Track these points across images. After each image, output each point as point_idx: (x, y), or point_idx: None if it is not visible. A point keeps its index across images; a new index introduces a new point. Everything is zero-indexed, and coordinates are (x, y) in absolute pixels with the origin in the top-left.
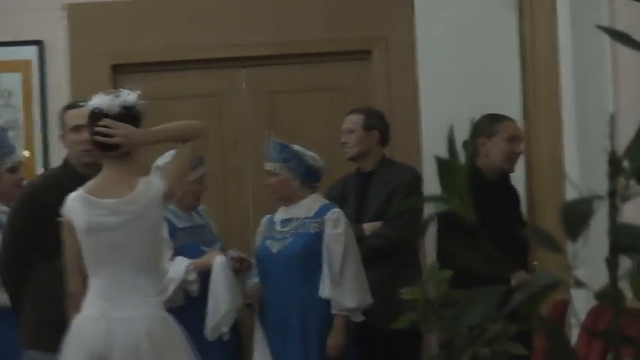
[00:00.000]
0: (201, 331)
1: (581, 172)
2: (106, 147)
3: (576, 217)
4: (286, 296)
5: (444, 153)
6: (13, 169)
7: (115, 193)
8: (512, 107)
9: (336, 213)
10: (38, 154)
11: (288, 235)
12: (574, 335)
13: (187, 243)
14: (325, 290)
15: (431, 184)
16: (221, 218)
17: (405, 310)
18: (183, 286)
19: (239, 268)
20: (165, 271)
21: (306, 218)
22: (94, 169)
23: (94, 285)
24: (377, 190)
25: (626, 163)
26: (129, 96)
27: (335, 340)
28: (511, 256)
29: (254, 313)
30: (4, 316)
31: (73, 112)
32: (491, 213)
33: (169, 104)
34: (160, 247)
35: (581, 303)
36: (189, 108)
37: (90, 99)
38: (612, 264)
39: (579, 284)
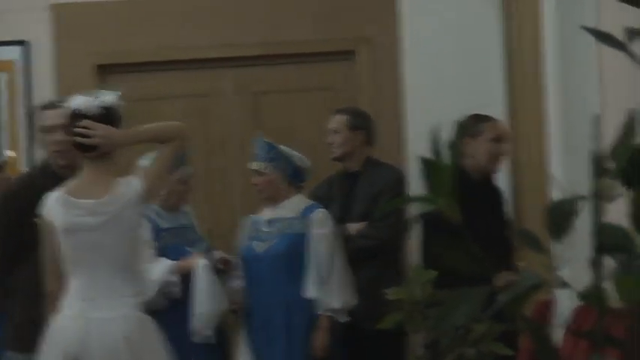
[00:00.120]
0: (185, 333)
1: (566, 172)
2: (85, 148)
3: (560, 218)
4: (271, 296)
5: (429, 153)
6: None
7: (94, 194)
8: (497, 107)
9: (321, 213)
10: (23, 154)
11: (273, 236)
12: (558, 335)
13: (171, 243)
14: (310, 290)
15: (415, 185)
16: (208, 218)
17: (391, 310)
18: (165, 288)
19: (223, 270)
20: (147, 271)
21: (291, 218)
22: (70, 170)
23: (72, 285)
24: (362, 190)
25: (610, 164)
26: (108, 97)
27: (320, 340)
28: (496, 256)
29: (239, 318)
30: None
31: (45, 112)
32: (476, 213)
33: (156, 104)
34: (138, 248)
35: (566, 303)
36: (176, 108)
37: (59, 100)
38: (596, 264)
39: (563, 284)
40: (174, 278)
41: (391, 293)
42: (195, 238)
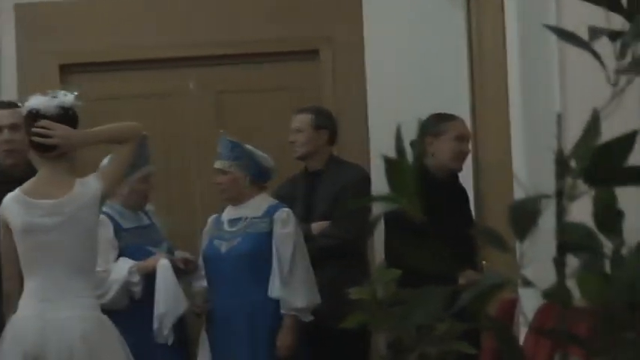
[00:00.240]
0: (147, 333)
1: (529, 171)
2: (43, 148)
3: (524, 217)
4: (234, 296)
5: (392, 152)
6: None
7: (52, 194)
8: (460, 106)
9: (285, 212)
10: None
11: (237, 235)
12: (522, 334)
13: (132, 243)
14: (275, 290)
15: (379, 184)
16: (169, 218)
17: (354, 309)
18: (126, 288)
19: (184, 270)
20: (109, 271)
21: (254, 218)
22: (19, 169)
23: (29, 286)
24: (325, 189)
25: (573, 163)
26: (66, 97)
27: (285, 340)
28: (460, 255)
29: (201, 319)
30: None
31: None
32: (439, 212)
33: (119, 104)
34: (95, 248)
35: (530, 302)
36: (140, 108)
37: (10, 100)
38: (560, 263)
39: (527, 283)
40: (136, 278)
41: (354, 292)
42: (158, 238)
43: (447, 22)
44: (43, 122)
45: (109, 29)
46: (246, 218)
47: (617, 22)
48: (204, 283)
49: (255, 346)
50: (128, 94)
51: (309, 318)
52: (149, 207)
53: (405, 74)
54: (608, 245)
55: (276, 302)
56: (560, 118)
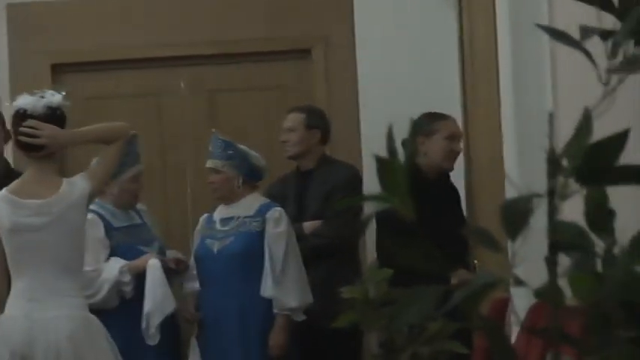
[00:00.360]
0: (138, 333)
1: (521, 170)
2: (30, 147)
3: (516, 216)
4: (226, 295)
5: (383, 152)
6: None
7: (39, 194)
8: (451, 106)
9: (277, 212)
10: None
11: (229, 234)
12: (514, 334)
13: (123, 243)
14: (267, 290)
15: (371, 183)
16: (160, 218)
17: (346, 308)
18: (117, 288)
19: (175, 270)
20: (100, 271)
21: (246, 217)
22: None
23: (17, 286)
24: (316, 188)
25: (564, 162)
26: (54, 97)
27: (277, 339)
28: (452, 254)
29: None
30: None
31: None
32: (431, 211)
33: (110, 103)
34: (82, 248)
35: (522, 301)
36: (131, 107)
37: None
38: (551, 262)
39: (519, 282)
40: (127, 278)
41: (346, 292)
42: (149, 237)
43: (439, 21)
44: (31, 122)
45: (101, 29)
46: (239, 217)
47: (609, 21)
48: (196, 284)
49: (247, 345)
50: (120, 94)
51: (301, 317)
52: (141, 206)
53: (397, 74)
54: (599, 244)
55: (268, 301)
56: (551, 117)
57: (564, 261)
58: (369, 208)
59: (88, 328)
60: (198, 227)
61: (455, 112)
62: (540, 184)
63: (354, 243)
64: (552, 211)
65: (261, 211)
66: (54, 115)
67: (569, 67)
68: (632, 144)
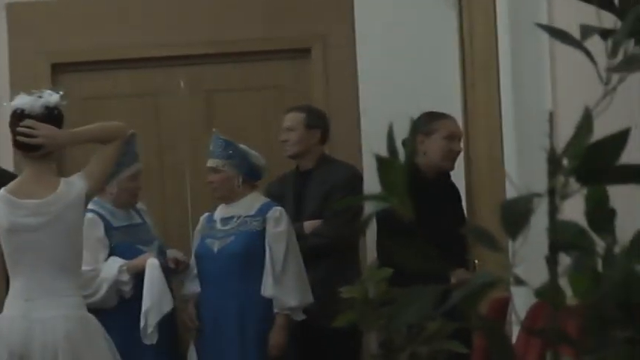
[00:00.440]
0: (136, 332)
1: (521, 170)
2: (28, 147)
3: (516, 216)
4: (226, 295)
5: (383, 151)
6: None
7: (37, 194)
8: (451, 105)
9: (277, 211)
10: None
11: (229, 234)
12: (514, 333)
13: (123, 242)
14: (267, 289)
15: (371, 182)
16: (159, 218)
17: (345, 308)
18: (116, 287)
19: (174, 270)
20: (99, 270)
21: (247, 216)
22: None
23: (15, 286)
24: (315, 188)
25: (565, 161)
26: (51, 97)
27: (277, 339)
28: (451, 254)
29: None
30: None
31: None
32: (431, 211)
33: (109, 103)
34: (80, 248)
35: (522, 301)
36: (129, 107)
37: None
38: (552, 261)
39: (519, 282)
40: (126, 277)
41: (345, 291)
42: (149, 237)
43: (439, 20)
44: (28, 122)
45: (101, 28)
46: (239, 217)
47: (609, 20)
48: (196, 287)
49: (246, 345)
50: (117, 94)
51: (301, 317)
52: (141, 206)
53: (397, 73)
54: (600, 244)
55: (268, 302)
56: (551, 117)
57: (565, 260)
58: (369, 208)
59: (86, 327)
60: (199, 227)
61: (455, 111)
62: (540, 183)
63: (354, 243)
64: (553, 211)
65: (262, 211)
66: (51, 115)
67: (568, 67)
68: (633, 143)
